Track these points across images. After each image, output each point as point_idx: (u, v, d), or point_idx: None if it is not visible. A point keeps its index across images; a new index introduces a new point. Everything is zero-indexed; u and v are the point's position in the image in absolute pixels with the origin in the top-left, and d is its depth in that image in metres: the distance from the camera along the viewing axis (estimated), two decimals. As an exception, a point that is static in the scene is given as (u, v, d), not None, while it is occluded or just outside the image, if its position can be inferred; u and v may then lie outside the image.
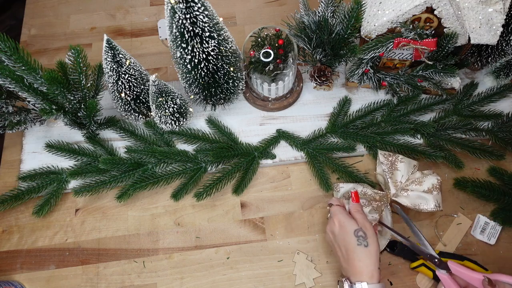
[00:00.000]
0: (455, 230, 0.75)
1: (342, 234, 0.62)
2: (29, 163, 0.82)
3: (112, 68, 0.68)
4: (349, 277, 0.60)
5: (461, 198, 0.78)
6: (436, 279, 0.70)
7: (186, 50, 0.64)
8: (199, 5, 0.58)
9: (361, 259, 0.59)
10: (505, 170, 0.78)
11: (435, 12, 0.64)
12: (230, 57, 0.70)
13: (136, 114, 0.80)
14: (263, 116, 0.86)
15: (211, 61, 0.68)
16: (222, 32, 0.65)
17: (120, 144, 0.83)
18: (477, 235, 0.74)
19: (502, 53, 0.78)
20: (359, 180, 0.77)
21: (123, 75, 0.70)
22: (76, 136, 0.84)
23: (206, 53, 0.65)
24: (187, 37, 0.61)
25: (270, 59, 0.72)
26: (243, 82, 0.79)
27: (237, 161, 0.79)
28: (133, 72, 0.71)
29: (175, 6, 0.57)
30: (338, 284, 0.64)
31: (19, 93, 0.70)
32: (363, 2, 0.66)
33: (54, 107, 0.71)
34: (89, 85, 0.74)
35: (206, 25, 0.61)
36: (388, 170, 0.73)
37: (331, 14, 0.71)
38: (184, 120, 0.79)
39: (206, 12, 0.59)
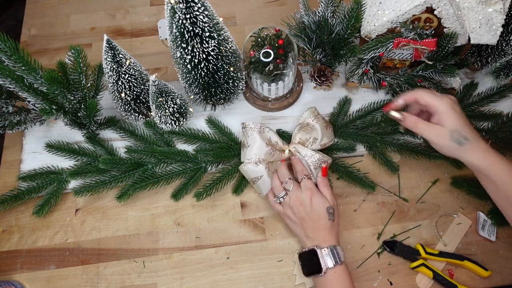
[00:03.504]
0: (455, 230, 0.75)
1: (314, 210, 0.67)
2: (29, 163, 0.82)
3: (112, 68, 0.68)
4: (318, 244, 0.66)
5: (461, 198, 0.77)
6: (436, 279, 0.70)
7: (186, 50, 0.64)
8: (199, 5, 0.58)
9: (331, 231, 0.67)
10: None
11: (435, 12, 0.64)
12: (230, 57, 0.70)
13: (136, 114, 0.80)
14: (263, 116, 0.86)
15: (211, 61, 0.68)
16: (222, 32, 0.65)
17: (120, 144, 0.83)
18: (479, 231, 0.74)
19: (502, 53, 0.78)
20: (359, 180, 0.77)
21: (123, 75, 0.70)
22: (76, 136, 0.84)
23: (206, 53, 0.65)
24: (187, 37, 0.61)
25: (270, 59, 0.72)
26: (243, 82, 0.79)
27: (237, 161, 0.79)
28: (133, 72, 0.71)
29: (175, 6, 0.57)
30: (303, 255, 0.67)
31: (19, 93, 0.70)
32: (363, 2, 0.66)
33: (54, 107, 0.71)
34: (89, 85, 0.74)
35: (206, 25, 0.61)
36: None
37: (331, 14, 0.71)
38: (184, 120, 0.79)
39: (206, 12, 0.59)
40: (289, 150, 0.75)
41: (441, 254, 0.71)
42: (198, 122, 0.85)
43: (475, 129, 0.61)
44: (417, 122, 0.61)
